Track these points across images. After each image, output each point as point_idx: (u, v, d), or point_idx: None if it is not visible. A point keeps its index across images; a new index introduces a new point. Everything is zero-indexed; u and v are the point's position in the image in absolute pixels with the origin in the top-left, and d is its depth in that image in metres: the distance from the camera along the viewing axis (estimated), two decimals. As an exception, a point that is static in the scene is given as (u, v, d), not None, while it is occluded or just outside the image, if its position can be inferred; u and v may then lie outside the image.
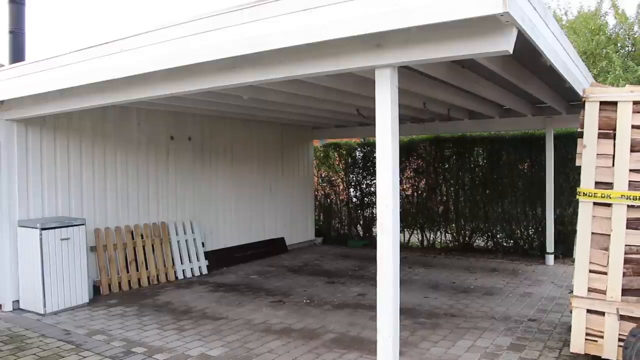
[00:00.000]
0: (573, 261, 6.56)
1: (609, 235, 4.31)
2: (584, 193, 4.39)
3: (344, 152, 12.12)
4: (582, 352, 4.49)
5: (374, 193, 11.22)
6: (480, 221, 10.35)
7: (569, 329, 5.43)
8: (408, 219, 11.01)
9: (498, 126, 9.39)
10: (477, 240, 10.62)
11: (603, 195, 4.31)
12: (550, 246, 8.84)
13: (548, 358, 4.67)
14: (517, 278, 7.88)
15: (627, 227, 4.23)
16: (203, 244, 8.72)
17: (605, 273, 4.32)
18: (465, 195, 10.59)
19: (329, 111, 8.17)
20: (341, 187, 12.35)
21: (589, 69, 8.11)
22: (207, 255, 8.74)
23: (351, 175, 12.08)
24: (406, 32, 3.22)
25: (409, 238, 11.34)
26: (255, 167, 10.11)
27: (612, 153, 4.32)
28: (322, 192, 12.46)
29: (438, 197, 10.92)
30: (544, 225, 8.97)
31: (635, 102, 4.26)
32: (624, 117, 4.26)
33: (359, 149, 12.06)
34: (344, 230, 12.15)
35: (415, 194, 11.18)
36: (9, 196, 6.33)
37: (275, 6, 3.57)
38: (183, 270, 8.22)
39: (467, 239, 10.60)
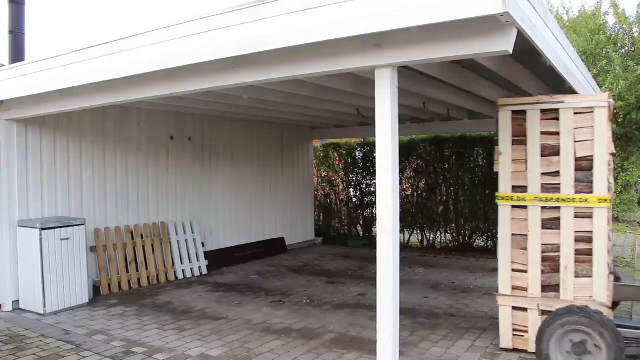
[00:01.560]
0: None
1: (527, 235, 4.66)
2: (502, 197, 4.81)
3: (344, 152, 12.11)
4: (511, 347, 4.69)
5: (374, 193, 11.21)
6: (480, 221, 10.34)
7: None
8: (408, 219, 11.01)
9: (498, 126, 9.37)
10: (477, 240, 10.62)
11: (519, 198, 4.69)
12: (550, 246, 8.82)
13: (548, 358, 4.67)
14: (517, 278, 7.87)
15: (543, 227, 4.59)
16: (203, 244, 8.72)
17: (526, 271, 4.67)
18: (465, 195, 10.59)
19: (328, 111, 8.17)
20: (341, 187, 12.35)
21: (588, 69, 8.11)
22: (207, 255, 8.74)
23: (351, 175, 12.07)
24: (406, 32, 3.22)
25: (409, 238, 11.34)
26: (255, 167, 10.11)
27: (525, 158, 4.68)
28: (322, 192, 12.45)
29: (438, 197, 10.91)
30: (544, 225, 8.96)
31: (542, 111, 4.60)
32: (533, 125, 4.63)
33: (359, 149, 12.06)
34: (344, 230, 12.15)
35: (415, 194, 11.18)
36: (9, 196, 6.32)
37: (275, 6, 3.57)
38: (183, 270, 8.22)
39: (467, 239, 10.60)
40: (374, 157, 4.62)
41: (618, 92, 13.21)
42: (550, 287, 4.57)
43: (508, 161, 4.77)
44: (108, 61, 4.64)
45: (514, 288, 4.75)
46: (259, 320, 5.89)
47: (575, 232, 4.46)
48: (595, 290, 4.40)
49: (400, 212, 3.82)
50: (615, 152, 5.78)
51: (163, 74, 4.44)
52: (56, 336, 5.38)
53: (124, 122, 7.64)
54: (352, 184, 12.08)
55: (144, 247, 7.74)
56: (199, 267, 8.49)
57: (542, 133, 4.59)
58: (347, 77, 5.22)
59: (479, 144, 10.38)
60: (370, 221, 11.77)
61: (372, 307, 4.53)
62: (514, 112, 4.77)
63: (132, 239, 7.64)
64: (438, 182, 10.86)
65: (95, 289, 7.06)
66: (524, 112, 4.70)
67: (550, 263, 4.57)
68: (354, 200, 12.12)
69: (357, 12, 3.24)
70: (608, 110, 4.40)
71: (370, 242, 11.25)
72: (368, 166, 11.75)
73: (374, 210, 11.53)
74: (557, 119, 4.55)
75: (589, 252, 4.43)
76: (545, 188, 4.59)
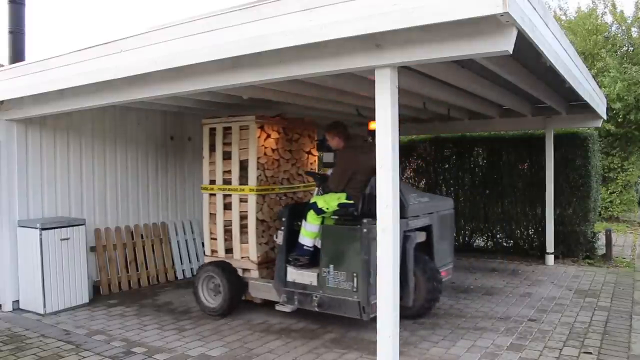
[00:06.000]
0: (575, 261, 6.50)
1: (216, 214, 6.30)
2: (203, 188, 6.47)
3: (344, 152, 12.06)
4: None
5: (374, 193, 11.18)
6: (480, 221, 10.33)
7: (570, 329, 5.48)
8: (408, 219, 10.97)
9: (498, 126, 9.38)
10: (477, 240, 10.62)
11: (211, 189, 6.37)
12: (550, 246, 8.84)
13: (548, 358, 4.67)
14: (516, 278, 7.88)
15: (224, 209, 6.24)
16: (203, 244, 8.69)
17: (216, 239, 6.34)
18: (465, 196, 10.57)
19: (328, 111, 8.16)
20: (341, 187, 12.30)
21: (588, 69, 8.11)
22: (207, 255, 8.72)
23: (351, 176, 12.03)
24: (406, 32, 3.22)
25: (409, 238, 11.30)
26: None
27: (215, 161, 6.29)
28: (322, 192, 12.42)
29: (438, 197, 10.90)
30: (544, 225, 8.96)
31: (224, 128, 6.21)
32: (219, 137, 6.26)
33: (358, 149, 12.01)
34: (344, 230, 12.09)
35: (415, 194, 11.16)
36: (9, 196, 6.32)
37: (275, 6, 3.57)
38: (183, 270, 8.22)
39: (467, 239, 10.60)
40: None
41: (616, 93, 13.22)
42: (229, 250, 6.22)
43: (207, 163, 6.38)
44: (108, 61, 4.63)
45: (212, 251, 6.39)
46: (259, 320, 5.89)
47: (240, 211, 6.08)
48: (250, 252, 6.04)
49: (400, 212, 3.81)
50: (274, 156, 6.54)
51: (163, 74, 4.43)
52: (56, 336, 5.38)
53: (124, 122, 7.63)
54: (352, 184, 12.04)
55: (144, 247, 7.74)
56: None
57: (224, 143, 6.22)
58: (347, 77, 5.22)
59: (479, 144, 10.37)
60: (370, 221, 11.73)
61: (372, 307, 4.52)
62: (210, 128, 6.34)
63: (132, 239, 7.64)
64: (438, 182, 10.84)
65: (95, 289, 7.05)
66: (215, 128, 6.29)
67: (229, 234, 6.19)
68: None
69: (357, 12, 3.24)
70: (257, 126, 5.95)
71: (370, 242, 11.22)
72: (368, 166, 11.70)
73: (373, 210, 11.49)
74: (232, 133, 6.14)
75: (247, 226, 6.04)
76: (225, 181, 6.23)
